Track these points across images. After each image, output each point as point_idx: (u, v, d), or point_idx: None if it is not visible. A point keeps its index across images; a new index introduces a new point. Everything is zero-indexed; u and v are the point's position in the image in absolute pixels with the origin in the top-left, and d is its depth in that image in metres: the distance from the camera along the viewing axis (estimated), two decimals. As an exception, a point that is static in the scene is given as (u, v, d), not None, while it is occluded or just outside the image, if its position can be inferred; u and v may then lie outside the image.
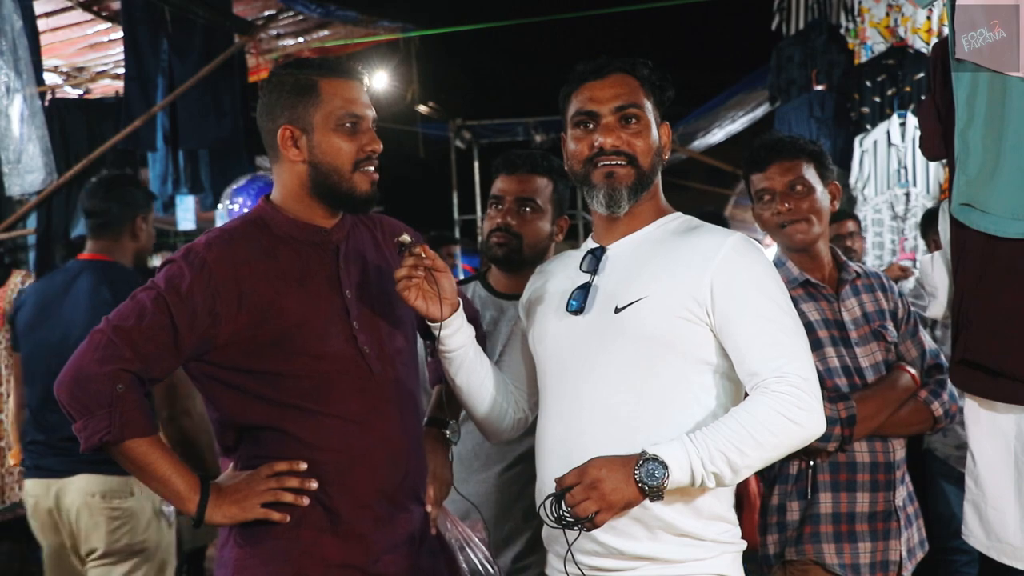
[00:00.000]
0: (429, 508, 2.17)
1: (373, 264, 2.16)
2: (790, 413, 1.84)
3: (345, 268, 2.10)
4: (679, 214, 2.13)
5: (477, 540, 2.26)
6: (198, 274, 1.98)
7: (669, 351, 1.93)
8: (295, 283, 2.04)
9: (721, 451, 1.81)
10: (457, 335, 2.09)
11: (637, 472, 1.79)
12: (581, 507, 1.79)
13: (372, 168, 2.08)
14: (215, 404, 2.07)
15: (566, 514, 1.81)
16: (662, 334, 1.93)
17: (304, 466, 2.00)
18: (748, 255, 1.97)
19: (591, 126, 2.06)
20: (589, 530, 1.84)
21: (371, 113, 2.09)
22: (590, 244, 2.14)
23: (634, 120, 2.05)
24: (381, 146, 2.09)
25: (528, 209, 2.66)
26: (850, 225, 5.20)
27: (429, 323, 2.06)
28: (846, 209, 5.78)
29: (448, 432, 2.33)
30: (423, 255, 1.99)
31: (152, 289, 1.99)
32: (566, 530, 1.84)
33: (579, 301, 2.03)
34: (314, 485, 2.00)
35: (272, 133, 2.07)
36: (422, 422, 2.22)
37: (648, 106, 2.07)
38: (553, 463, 1.98)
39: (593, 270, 2.07)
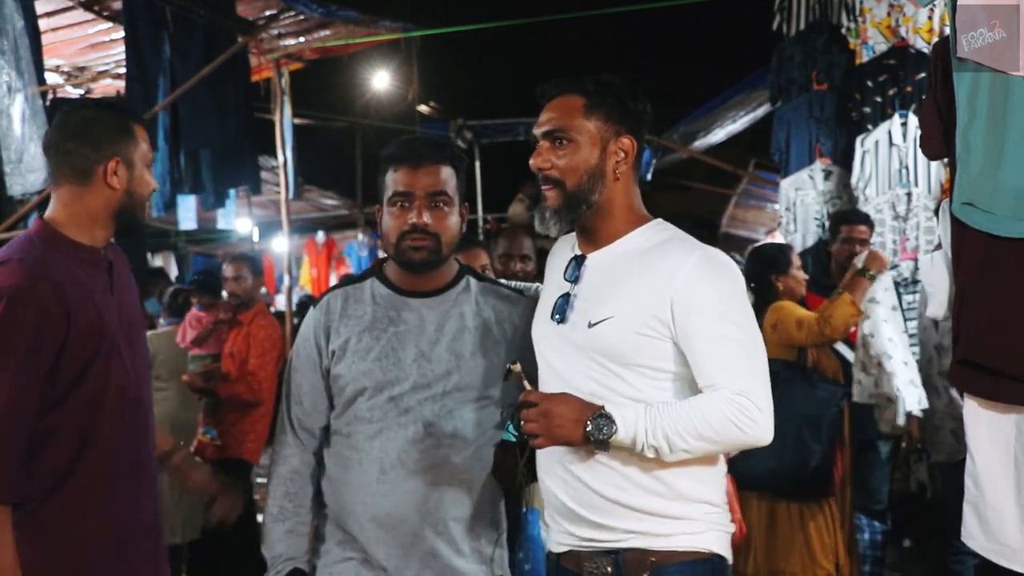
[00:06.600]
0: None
1: (128, 283, 2.48)
2: (737, 420, 2.00)
3: (116, 285, 2.40)
4: (656, 221, 2.19)
5: None
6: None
7: (636, 364, 2.07)
8: (97, 301, 2.29)
9: (664, 431, 1.99)
10: None
11: (589, 422, 1.99)
12: (526, 426, 2.02)
13: None
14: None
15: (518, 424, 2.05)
16: (628, 350, 2.07)
17: None
18: (708, 274, 2.06)
19: (535, 148, 2.16)
20: (525, 445, 2.11)
21: None
22: (576, 247, 2.22)
23: (560, 141, 2.11)
24: None
25: (442, 204, 2.37)
26: (862, 229, 5.13)
27: None
28: (862, 212, 5.70)
29: None
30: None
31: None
32: (518, 441, 2.13)
33: (561, 312, 2.16)
34: None
35: (95, 162, 2.33)
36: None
37: (587, 125, 2.11)
38: (544, 458, 2.17)
39: (574, 280, 2.17)
